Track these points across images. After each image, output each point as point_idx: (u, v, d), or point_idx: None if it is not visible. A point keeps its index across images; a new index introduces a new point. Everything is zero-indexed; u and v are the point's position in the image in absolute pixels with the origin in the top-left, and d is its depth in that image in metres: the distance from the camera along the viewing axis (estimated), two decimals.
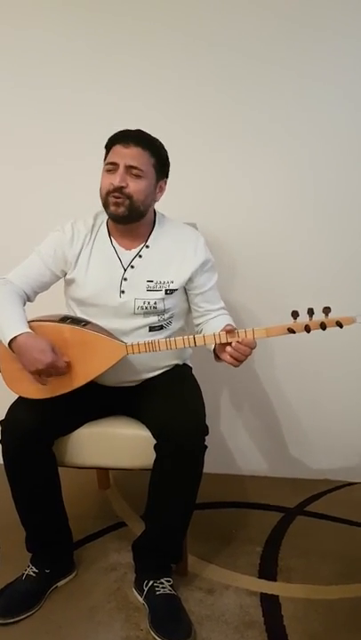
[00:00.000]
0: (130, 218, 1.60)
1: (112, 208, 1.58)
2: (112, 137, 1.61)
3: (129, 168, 1.55)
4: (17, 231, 2.26)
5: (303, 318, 1.39)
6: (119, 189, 1.55)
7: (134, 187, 1.56)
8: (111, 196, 1.57)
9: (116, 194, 1.56)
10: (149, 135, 1.61)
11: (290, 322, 1.41)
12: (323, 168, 2.12)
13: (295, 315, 1.39)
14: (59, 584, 1.68)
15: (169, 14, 2.09)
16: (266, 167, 2.14)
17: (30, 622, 1.54)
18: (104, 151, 1.63)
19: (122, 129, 1.61)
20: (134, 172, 1.56)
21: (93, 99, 2.18)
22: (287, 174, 2.14)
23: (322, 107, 2.07)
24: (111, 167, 1.57)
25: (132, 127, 1.61)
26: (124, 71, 2.15)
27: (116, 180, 1.55)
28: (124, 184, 1.55)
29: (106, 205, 1.60)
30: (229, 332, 1.44)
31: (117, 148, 1.57)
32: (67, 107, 2.20)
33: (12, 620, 1.53)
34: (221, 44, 2.07)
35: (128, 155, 1.55)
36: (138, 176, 1.56)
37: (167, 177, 1.67)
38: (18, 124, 2.25)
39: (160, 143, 1.62)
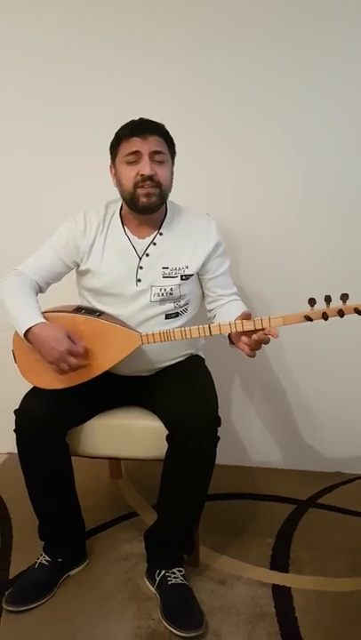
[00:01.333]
0: (159, 207, 1.60)
1: (144, 200, 1.56)
2: (123, 131, 1.58)
3: (153, 154, 1.54)
4: (28, 225, 2.26)
5: (320, 306, 1.38)
6: (150, 178, 1.53)
7: (162, 173, 1.56)
8: (140, 187, 1.55)
9: (148, 183, 1.54)
10: (156, 122, 1.60)
11: (306, 309, 1.39)
12: (334, 157, 2.09)
13: (312, 302, 1.37)
14: (71, 573, 1.69)
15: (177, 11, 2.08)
16: (277, 157, 2.12)
17: (42, 610, 1.55)
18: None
19: (126, 121, 1.59)
20: (158, 157, 1.55)
21: (102, 93, 2.17)
22: (298, 163, 2.12)
23: (333, 95, 2.05)
24: (133, 158, 1.55)
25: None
26: (132, 64, 2.13)
27: (145, 169, 1.53)
28: (153, 172, 1.53)
29: (134, 198, 1.57)
30: (246, 319, 1.42)
31: (134, 140, 1.55)
32: (76, 101, 2.20)
33: (24, 608, 1.55)
34: (228, 34, 2.06)
35: (149, 143, 1.54)
36: (162, 162, 1.56)
37: (175, 157, 1.66)
38: (30, 117, 2.25)
39: (164, 126, 1.61)
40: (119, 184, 1.61)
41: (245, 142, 2.13)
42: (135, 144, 1.55)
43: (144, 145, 1.54)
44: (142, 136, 1.54)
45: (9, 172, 2.31)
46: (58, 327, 1.48)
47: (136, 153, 1.54)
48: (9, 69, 2.23)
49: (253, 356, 1.44)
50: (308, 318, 1.39)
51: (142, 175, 1.54)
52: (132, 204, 1.59)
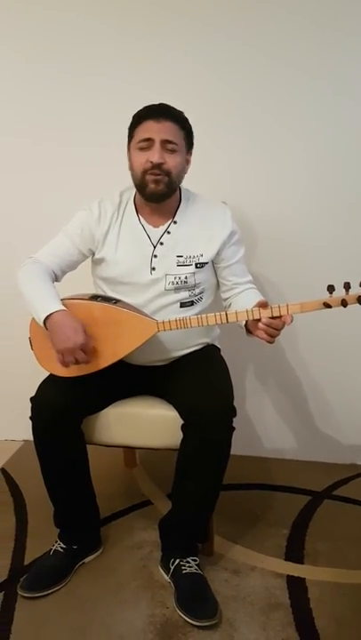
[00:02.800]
0: (167, 195, 1.58)
1: (151, 186, 1.55)
2: (140, 113, 1.57)
3: (164, 143, 1.52)
4: (40, 215, 2.26)
5: (339, 293, 1.36)
6: (158, 166, 1.52)
7: (172, 162, 1.54)
8: (149, 174, 1.54)
9: (156, 171, 1.53)
10: (175, 108, 1.58)
11: (323, 297, 1.37)
12: (353, 142, 2.06)
13: (331, 289, 1.35)
14: (85, 560, 1.70)
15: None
16: (294, 144, 2.09)
17: (57, 597, 1.56)
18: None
19: (148, 105, 1.58)
20: (170, 146, 1.53)
21: (110, 84, 2.16)
22: (316, 150, 2.09)
23: (354, 84, 2.01)
24: (145, 144, 1.54)
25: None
26: (142, 55, 2.12)
27: (154, 156, 1.52)
28: (162, 160, 1.52)
29: (143, 184, 1.56)
30: (263, 306, 1.41)
31: (149, 124, 1.53)
32: (81, 93, 2.19)
33: (39, 595, 1.56)
34: (239, 19, 2.04)
35: (162, 129, 1.52)
36: (173, 151, 1.54)
37: (192, 149, 1.64)
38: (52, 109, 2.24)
39: (185, 115, 1.59)
40: (131, 168, 1.60)
41: (262, 129, 2.10)
42: (149, 129, 1.53)
43: (157, 131, 1.52)
44: (157, 119, 1.52)
45: (14, 162, 2.31)
46: (77, 319, 1.47)
47: (149, 140, 1.53)
48: (17, 60, 2.22)
49: (272, 342, 1.43)
50: (327, 305, 1.37)
51: (151, 162, 1.53)
52: (140, 189, 1.59)
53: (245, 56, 2.06)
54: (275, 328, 1.41)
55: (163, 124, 1.52)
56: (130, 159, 1.60)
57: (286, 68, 2.04)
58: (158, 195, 1.57)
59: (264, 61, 2.05)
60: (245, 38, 2.04)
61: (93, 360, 1.51)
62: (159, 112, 1.54)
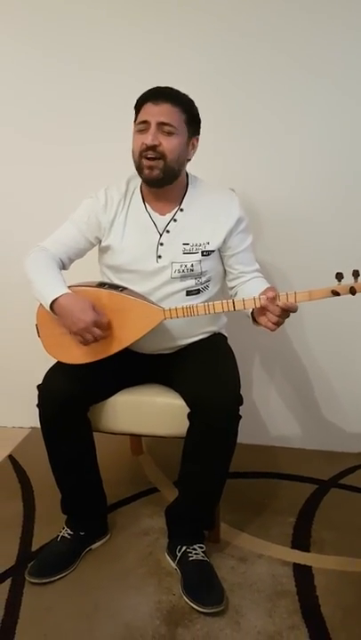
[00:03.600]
0: (165, 180, 1.56)
1: (146, 171, 1.54)
2: (142, 95, 1.56)
3: (160, 125, 1.51)
4: (47, 204, 2.26)
5: (347, 281, 1.35)
6: (152, 148, 1.51)
7: (167, 144, 1.52)
8: (144, 158, 1.53)
9: (150, 153, 1.51)
10: (179, 91, 1.56)
11: (332, 284, 1.36)
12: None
13: (340, 277, 1.34)
14: (92, 546, 1.71)
15: None
16: (301, 131, 2.07)
17: (64, 583, 1.57)
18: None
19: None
20: (166, 129, 1.51)
21: (114, 79, 2.15)
22: (323, 136, 2.06)
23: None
24: (142, 127, 1.53)
25: None
26: (143, 46, 2.10)
27: (148, 138, 1.50)
28: (156, 142, 1.51)
29: (140, 168, 1.56)
30: (271, 296, 1.40)
31: (148, 107, 1.53)
32: (86, 88, 2.19)
33: (46, 581, 1.57)
34: (247, 10, 2.01)
35: (159, 112, 1.51)
36: (170, 133, 1.52)
37: (199, 134, 1.62)
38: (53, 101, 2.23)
39: (190, 99, 1.57)
40: (132, 153, 1.59)
41: (269, 116, 2.08)
42: (147, 111, 1.52)
43: (154, 113, 1.51)
44: (155, 101, 1.51)
45: (17, 152, 2.31)
46: (83, 298, 1.47)
47: (145, 122, 1.52)
48: (19, 54, 2.21)
49: (274, 329, 1.43)
50: (336, 293, 1.36)
51: (145, 144, 1.51)
52: (139, 173, 1.58)
53: (251, 43, 2.03)
54: (277, 315, 1.40)
55: (161, 107, 1.51)
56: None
57: (294, 56, 2.01)
58: (154, 179, 1.55)
59: (271, 49, 2.02)
60: (250, 26, 2.01)
61: (101, 347, 1.50)
62: (158, 94, 1.53)
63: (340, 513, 1.88)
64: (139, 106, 1.57)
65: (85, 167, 2.21)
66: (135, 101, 1.58)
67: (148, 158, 1.52)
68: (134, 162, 1.58)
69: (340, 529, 1.79)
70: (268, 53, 2.03)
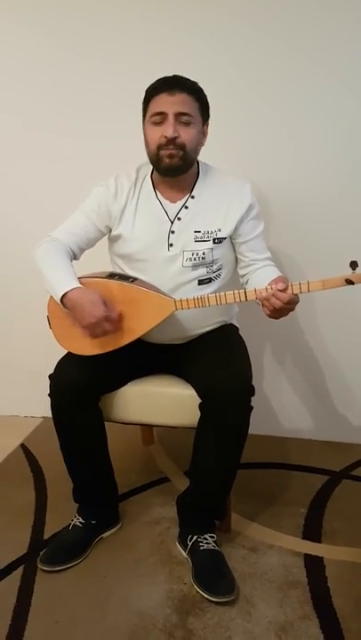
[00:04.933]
0: (183, 169, 1.55)
1: (166, 161, 1.52)
2: (153, 86, 1.54)
3: (178, 116, 1.49)
4: (57, 196, 2.25)
5: None
6: (172, 140, 1.49)
7: (186, 135, 1.51)
8: (164, 149, 1.51)
9: (170, 146, 1.50)
10: (189, 79, 1.54)
11: (345, 273, 1.35)
12: None
13: (354, 265, 1.33)
14: (104, 535, 1.71)
15: None
16: (313, 118, 2.04)
17: (76, 571, 1.58)
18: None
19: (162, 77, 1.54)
20: (184, 119, 1.50)
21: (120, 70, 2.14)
22: (335, 123, 2.03)
23: None
24: (158, 119, 1.50)
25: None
26: (145, 37, 2.09)
27: (168, 131, 1.49)
28: (176, 134, 1.49)
29: (158, 159, 1.54)
30: (281, 287, 1.38)
31: (162, 97, 1.50)
32: (92, 82, 2.18)
33: (58, 569, 1.58)
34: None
35: (175, 102, 1.48)
36: (188, 123, 1.51)
37: (208, 120, 1.61)
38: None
39: (199, 86, 1.55)
40: (146, 145, 1.57)
41: (281, 104, 2.05)
42: (162, 102, 1.49)
43: (170, 104, 1.49)
44: (170, 92, 1.48)
45: (24, 150, 2.31)
46: (94, 292, 1.46)
47: (162, 114, 1.50)
48: (30, 42, 2.20)
49: (269, 315, 1.43)
50: (350, 282, 1.34)
51: (165, 137, 1.49)
52: (156, 165, 1.56)
53: (252, 31, 2.00)
54: (272, 303, 1.39)
55: (176, 97, 1.48)
56: (144, 135, 1.57)
57: (294, 44, 1.98)
58: (174, 168, 1.54)
59: (272, 37, 1.99)
60: (250, 14, 1.99)
61: (112, 338, 1.50)
62: (172, 84, 1.50)
63: (351, 504, 1.87)
64: (150, 97, 1.54)
65: (93, 158, 2.20)
66: (144, 92, 1.55)
67: (168, 149, 1.51)
68: (150, 154, 1.56)
69: (352, 520, 1.78)
70: (269, 40, 2.00)
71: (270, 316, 1.44)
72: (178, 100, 1.49)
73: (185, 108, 1.49)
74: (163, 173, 1.57)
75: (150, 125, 1.53)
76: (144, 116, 1.57)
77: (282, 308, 1.40)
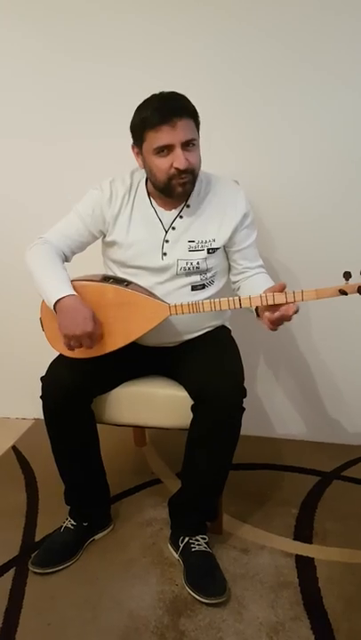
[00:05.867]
0: (191, 189, 1.57)
1: (179, 189, 1.50)
2: (149, 118, 1.45)
3: (185, 144, 1.46)
4: (49, 195, 2.26)
5: (356, 279, 1.34)
6: (184, 170, 1.47)
7: (194, 160, 1.50)
8: (177, 179, 1.48)
9: (183, 175, 1.48)
10: (181, 97, 1.49)
11: (339, 283, 1.36)
12: None
13: (347, 276, 1.33)
14: (96, 537, 1.72)
15: None
16: (307, 124, 2.04)
17: (67, 573, 1.58)
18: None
19: (152, 101, 1.48)
20: (190, 144, 1.47)
21: (117, 72, 2.12)
22: (329, 130, 2.03)
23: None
24: (164, 150, 1.46)
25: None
26: (144, 39, 2.07)
27: (181, 163, 1.45)
28: (188, 164, 1.46)
29: (169, 188, 1.50)
30: (280, 292, 1.39)
31: (164, 131, 1.43)
32: (92, 81, 2.16)
33: (49, 571, 1.58)
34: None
35: (179, 132, 1.44)
36: (193, 145, 1.49)
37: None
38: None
39: (188, 99, 1.50)
40: (150, 173, 1.54)
41: (275, 109, 2.05)
42: (164, 136, 1.44)
43: (174, 135, 1.43)
44: (171, 124, 1.43)
45: (16, 152, 2.31)
46: (87, 306, 1.46)
47: (168, 146, 1.46)
48: (18, 45, 2.20)
49: (275, 329, 1.43)
50: (343, 292, 1.35)
51: (177, 169, 1.47)
52: (165, 192, 1.53)
53: (251, 33, 2.00)
54: (283, 319, 1.39)
55: (178, 126, 1.43)
56: (147, 163, 1.52)
57: (294, 46, 1.98)
58: (188, 193, 1.56)
59: (271, 38, 1.99)
60: (247, 14, 1.99)
61: (104, 342, 1.50)
62: (170, 113, 1.43)
63: (342, 505, 1.88)
64: (147, 128, 1.46)
65: (84, 161, 2.20)
66: (138, 119, 1.49)
67: (181, 179, 1.49)
68: (157, 182, 1.52)
69: (343, 521, 1.79)
70: (268, 42, 1.99)
71: (272, 329, 1.43)
72: (180, 128, 1.44)
73: (189, 135, 1.46)
74: (175, 198, 1.56)
75: (154, 157, 1.49)
76: (139, 143, 1.52)
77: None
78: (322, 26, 1.95)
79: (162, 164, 1.48)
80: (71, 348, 1.48)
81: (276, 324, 1.41)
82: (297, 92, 2.02)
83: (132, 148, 1.57)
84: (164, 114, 1.43)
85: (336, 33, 1.95)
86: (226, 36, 2.02)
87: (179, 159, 1.46)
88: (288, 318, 1.39)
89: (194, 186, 1.56)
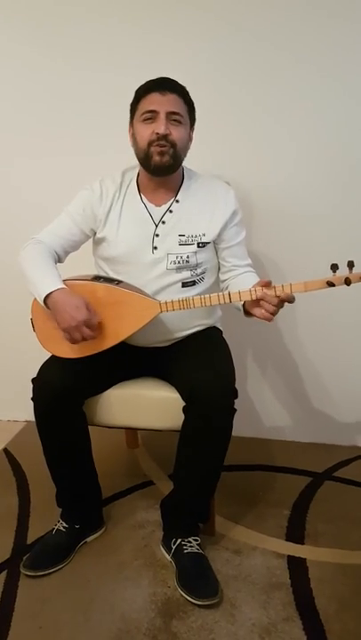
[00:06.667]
0: (173, 167, 1.57)
1: (156, 158, 1.53)
2: (144, 86, 1.55)
3: (170, 115, 1.51)
4: (43, 195, 2.25)
5: (343, 271, 1.35)
6: (164, 137, 1.51)
7: (177, 134, 1.53)
8: (155, 145, 1.52)
9: (162, 142, 1.51)
10: (178, 82, 1.56)
11: (326, 276, 1.36)
12: (356, 121, 2.02)
13: (334, 268, 1.34)
14: (88, 539, 1.71)
15: None
16: (295, 122, 2.06)
17: (59, 576, 1.58)
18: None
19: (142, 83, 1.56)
20: (175, 117, 1.52)
21: (113, 69, 2.13)
22: (317, 127, 2.05)
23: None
24: (150, 115, 1.52)
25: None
26: (139, 38, 2.09)
27: (160, 127, 1.50)
28: (168, 131, 1.51)
29: (147, 157, 1.54)
30: (266, 286, 1.40)
31: (154, 96, 1.52)
32: (85, 78, 2.17)
33: (41, 573, 1.57)
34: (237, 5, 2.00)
35: (167, 101, 1.51)
36: (178, 122, 1.53)
37: (194, 124, 1.63)
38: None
39: (187, 89, 1.57)
40: (135, 143, 1.58)
41: (262, 108, 2.06)
42: (153, 101, 1.51)
43: (162, 103, 1.51)
44: (161, 91, 1.51)
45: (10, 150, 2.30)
46: (78, 296, 1.46)
47: (153, 112, 1.51)
48: (15, 42, 2.19)
49: (271, 319, 1.42)
50: (331, 284, 1.36)
51: (157, 134, 1.51)
52: (145, 162, 1.57)
53: (246, 33, 2.01)
54: (273, 304, 1.39)
55: (167, 96, 1.51)
56: (133, 133, 1.58)
57: (288, 47, 2.00)
58: (165, 166, 1.55)
59: (266, 39, 2.00)
60: (240, 16, 2.01)
61: (96, 341, 1.50)
62: (163, 85, 1.53)
63: (334, 505, 1.89)
64: (140, 96, 1.55)
65: (77, 159, 2.20)
66: (134, 93, 1.57)
67: (160, 146, 1.52)
68: (139, 151, 1.57)
69: (334, 521, 1.80)
70: (263, 43, 2.01)
71: (270, 320, 1.43)
72: (169, 99, 1.51)
73: (176, 108, 1.52)
74: (152, 171, 1.57)
75: (140, 123, 1.54)
76: (132, 115, 1.59)
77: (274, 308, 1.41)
78: (317, 26, 1.97)
79: (144, 131, 1.53)
80: (75, 342, 1.47)
81: (273, 312, 1.41)
82: (291, 92, 2.04)
83: (129, 129, 1.62)
84: (158, 83, 1.54)
85: (333, 33, 1.96)
86: (223, 37, 2.03)
87: (160, 124, 1.50)
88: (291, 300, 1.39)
89: (174, 164, 1.56)
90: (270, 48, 2.01)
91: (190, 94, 1.58)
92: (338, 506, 1.89)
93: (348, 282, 1.36)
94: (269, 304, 1.40)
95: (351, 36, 1.95)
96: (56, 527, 1.68)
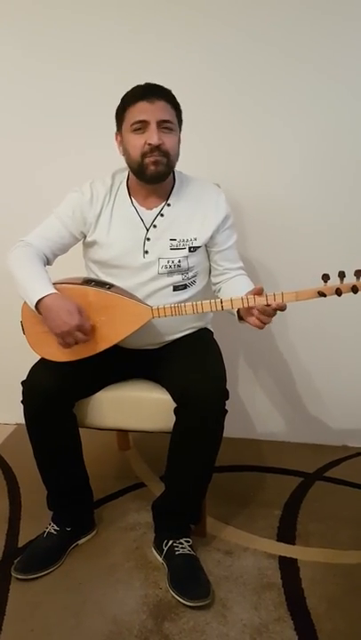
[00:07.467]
0: (167, 175, 1.57)
1: (152, 168, 1.52)
2: (130, 94, 1.54)
3: (160, 123, 1.50)
4: (30, 196, 2.25)
5: (334, 281, 1.35)
6: (157, 147, 1.50)
7: (169, 142, 1.52)
8: (149, 156, 1.51)
9: (155, 152, 1.50)
10: (164, 87, 1.55)
11: (318, 285, 1.37)
12: (349, 127, 2.03)
13: (326, 278, 1.35)
14: (79, 542, 1.71)
15: None
16: (288, 127, 2.06)
17: (51, 578, 1.57)
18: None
19: (133, 86, 1.55)
20: (166, 125, 1.51)
21: (104, 66, 2.13)
22: (311, 134, 2.05)
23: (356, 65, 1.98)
24: (140, 125, 1.50)
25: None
26: (134, 35, 2.08)
27: (153, 138, 1.49)
28: (161, 141, 1.49)
29: (142, 167, 1.53)
30: (258, 294, 1.40)
31: (142, 105, 1.50)
32: (75, 74, 2.16)
33: (32, 576, 1.56)
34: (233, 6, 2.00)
35: (156, 110, 1.49)
36: (170, 129, 1.52)
37: (182, 125, 1.62)
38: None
39: (172, 93, 1.56)
40: (126, 153, 1.57)
41: (256, 112, 2.07)
42: (142, 111, 1.49)
43: (152, 112, 1.49)
44: (150, 100, 1.49)
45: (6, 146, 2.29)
46: (70, 300, 1.46)
47: (143, 122, 1.50)
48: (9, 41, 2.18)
49: (262, 327, 1.44)
50: (322, 294, 1.37)
51: (150, 145, 1.50)
52: (139, 173, 1.56)
53: (242, 35, 2.01)
54: (268, 316, 1.41)
55: (156, 104, 1.49)
56: (123, 144, 1.57)
57: (287, 49, 2.00)
58: (160, 175, 1.55)
59: (264, 41, 2.00)
60: (237, 17, 2.01)
61: (87, 345, 1.50)
62: (150, 92, 1.51)
63: (324, 505, 1.90)
64: (127, 105, 1.53)
65: (68, 161, 2.20)
66: (120, 100, 1.55)
67: (153, 156, 1.51)
68: (132, 163, 1.55)
69: (325, 521, 1.81)
70: (260, 45, 2.01)
71: (261, 328, 1.45)
72: (158, 107, 1.50)
73: (166, 115, 1.51)
74: (147, 181, 1.56)
75: (131, 134, 1.53)
76: (120, 124, 1.57)
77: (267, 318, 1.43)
78: (317, 26, 1.97)
79: (136, 141, 1.52)
80: (68, 346, 1.47)
81: (264, 321, 1.42)
82: (291, 94, 2.03)
83: (116, 137, 1.61)
84: (144, 91, 1.52)
85: (330, 32, 1.97)
86: (221, 38, 2.03)
87: (152, 134, 1.49)
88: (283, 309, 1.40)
89: (168, 172, 1.57)
90: (269, 52, 2.01)
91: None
92: (329, 506, 1.89)
93: (338, 292, 1.36)
94: (263, 314, 1.41)
95: (351, 35, 1.95)
96: (47, 530, 1.68)
